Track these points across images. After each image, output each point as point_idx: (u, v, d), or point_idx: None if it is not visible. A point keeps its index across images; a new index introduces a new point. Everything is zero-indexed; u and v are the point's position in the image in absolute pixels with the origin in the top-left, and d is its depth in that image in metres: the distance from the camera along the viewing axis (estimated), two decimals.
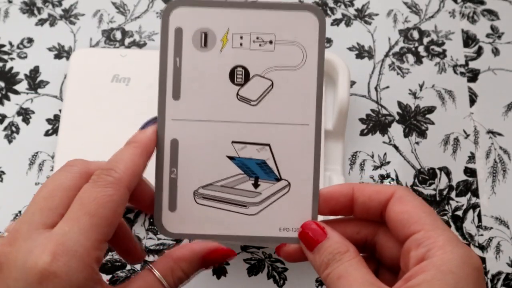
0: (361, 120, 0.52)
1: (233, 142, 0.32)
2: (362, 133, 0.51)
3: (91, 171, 0.30)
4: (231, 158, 0.32)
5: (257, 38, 0.32)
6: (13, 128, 0.51)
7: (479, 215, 0.48)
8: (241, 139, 0.32)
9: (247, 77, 0.32)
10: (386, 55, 0.54)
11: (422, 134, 0.51)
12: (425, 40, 0.55)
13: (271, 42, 0.32)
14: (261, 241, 0.34)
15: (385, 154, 0.50)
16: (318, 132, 0.32)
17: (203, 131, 0.32)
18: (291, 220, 0.32)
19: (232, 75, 0.32)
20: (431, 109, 0.52)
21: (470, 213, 0.48)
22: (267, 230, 0.32)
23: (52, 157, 0.49)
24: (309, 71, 0.32)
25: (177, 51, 0.32)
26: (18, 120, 0.51)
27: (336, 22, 0.56)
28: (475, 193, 0.49)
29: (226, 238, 0.32)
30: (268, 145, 0.32)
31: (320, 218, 0.33)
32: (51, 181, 0.29)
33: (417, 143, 0.51)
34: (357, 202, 0.31)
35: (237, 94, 0.32)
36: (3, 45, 0.54)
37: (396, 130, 0.51)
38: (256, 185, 0.32)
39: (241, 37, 0.32)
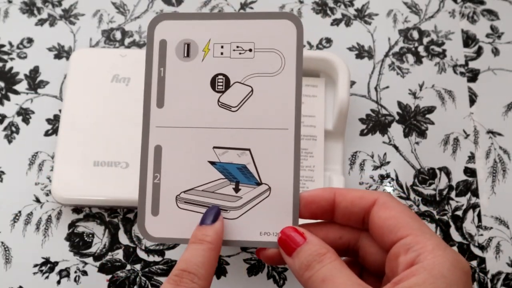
0: (361, 120, 0.52)
1: (214, 147, 0.33)
2: (362, 133, 0.51)
3: None
4: (212, 163, 0.33)
5: (237, 47, 0.33)
6: (13, 128, 0.51)
7: (479, 215, 0.48)
8: (222, 145, 0.33)
9: (227, 84, 0.33)
10: (386, 55, 0.54)
11: (422, 134, 0.51)
12: (425, 40, 0.55)
13: (250, 50, 0.33)
14: (242, 245, 0.34)
15: (385, 154, 0.50)
16: (297, 136, 0.32)
17: (185, 137, 0.33)
18: (271, 224, 0.32)
19: (213, 83, 0.33)
20: (431, 109, 0.52)
21: (470, 213, 0.48)
22: (248, 234, 0.32)
23: (52, 157, 0.49)
24: (288, 76, 0.32)
25: (162, 62, 0.33)
26: (18, 120, 0.51)
27: (336, 22, 0.56)
28: (475, 193, 0.49)
29: None
30: (249, 149, 0.32)
31: (303, 221, 0.33)
32: None
33: (417, 143, 0.51)
34: (339, 207, 0.31)
35: (218, 101, 0.33)
36: (3, 45, 0.54)
37: (396, 130, 0.51)
38: (237, 189, 0.33)
39: (222, 47, 0.33)
